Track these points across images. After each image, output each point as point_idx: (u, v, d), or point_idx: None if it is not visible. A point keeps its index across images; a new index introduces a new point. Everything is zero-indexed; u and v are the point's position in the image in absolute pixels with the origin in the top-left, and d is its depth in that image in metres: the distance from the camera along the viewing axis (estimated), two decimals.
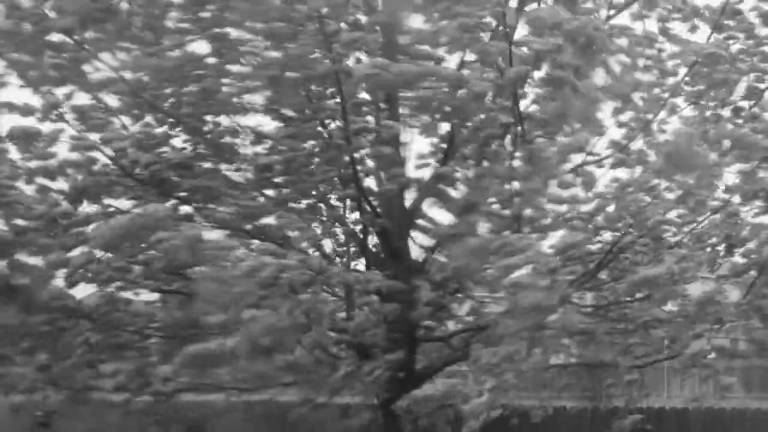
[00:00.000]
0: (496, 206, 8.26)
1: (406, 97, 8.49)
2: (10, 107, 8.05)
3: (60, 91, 8.24)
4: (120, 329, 8.54)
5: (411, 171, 9.19)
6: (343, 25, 8.01)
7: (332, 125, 8.68)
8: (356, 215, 9.38)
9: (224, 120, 8.79)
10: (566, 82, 7.01)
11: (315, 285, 7.74)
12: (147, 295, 8.98)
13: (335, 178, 8.96)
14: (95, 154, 8.28)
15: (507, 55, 7.40)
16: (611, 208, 8.87)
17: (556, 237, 9.48)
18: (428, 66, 7.61)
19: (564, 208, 9.13)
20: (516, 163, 7.73)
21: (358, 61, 8.42)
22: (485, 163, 8.27)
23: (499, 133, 8.08)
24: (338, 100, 8.34)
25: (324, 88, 8.43)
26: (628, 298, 9.19)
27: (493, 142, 8.15)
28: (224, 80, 8.02)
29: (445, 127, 9.08)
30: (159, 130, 8.56)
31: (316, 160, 8.69)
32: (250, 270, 6.66)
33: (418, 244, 9.48)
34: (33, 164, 8.01)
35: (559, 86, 7.17)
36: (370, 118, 8.85)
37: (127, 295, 8.66)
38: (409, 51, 8.11)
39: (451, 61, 8.58)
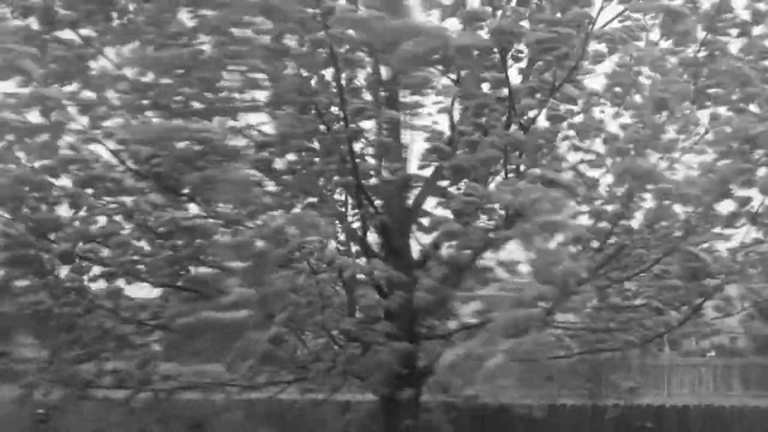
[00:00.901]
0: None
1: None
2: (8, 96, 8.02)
3: (65, 89, 8.22)
4: (124, 321, 8.55)
5: (412, 168, 9.21)
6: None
7: (330, 112, 8.63)
8: (356, 210, 9.37)
9: (226, 118, 8.76)
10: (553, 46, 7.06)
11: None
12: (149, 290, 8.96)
13: (335, 172, 8.93)
14: (97, 148, 8.26)
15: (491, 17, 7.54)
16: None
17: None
18: (412, 22, 7.58)
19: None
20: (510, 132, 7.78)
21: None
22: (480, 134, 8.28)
23: (490, 104, 8.12)
24: (337, 91, 8.31)
25: (319, 72, 8.38)
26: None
27: (484, 112, 8.18)
28: (226, 75, 7.99)
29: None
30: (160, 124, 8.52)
31: (316, 147, 8.66)
32: (275, 232, 6.68)
33: (418, 242, 9.50)
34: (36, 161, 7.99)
35: (546, 51, 7.22)
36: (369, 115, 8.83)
37: (131, 288, 8.68)
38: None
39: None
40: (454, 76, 8.56)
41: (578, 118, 9.55)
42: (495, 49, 7.64)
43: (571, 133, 9.82)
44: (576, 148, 9.87)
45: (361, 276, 8.49)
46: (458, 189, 8.84)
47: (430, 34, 7.45)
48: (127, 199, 7.97)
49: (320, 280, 7.51)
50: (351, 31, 7.63)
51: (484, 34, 7.78)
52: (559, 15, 7.72)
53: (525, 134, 7.97)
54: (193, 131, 7.19)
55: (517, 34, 7.55)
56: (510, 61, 8.07)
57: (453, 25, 8.22)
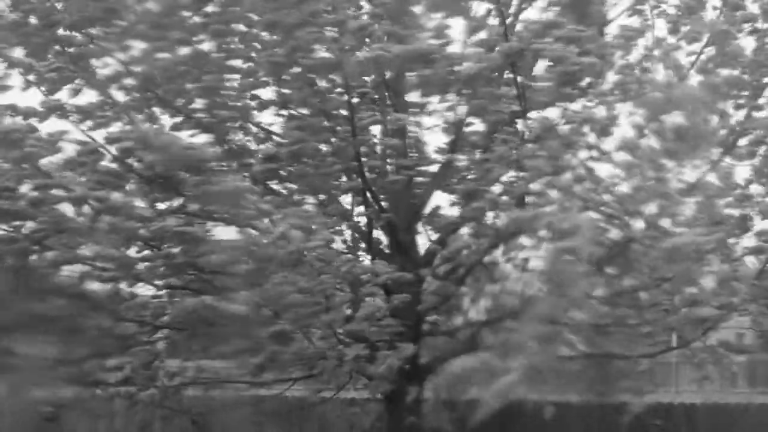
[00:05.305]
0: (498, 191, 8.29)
1: (411, 82, 8.37)
2: (13, 110, 7.98)
3: (67, 88, 8.19)
4: (126, 321, 8.51)
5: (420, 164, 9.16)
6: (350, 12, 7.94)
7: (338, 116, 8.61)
8: (362, 209, 9.34)
9: (233, 116, 8.72)
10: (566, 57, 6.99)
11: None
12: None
13: (341, 172, 8.91)
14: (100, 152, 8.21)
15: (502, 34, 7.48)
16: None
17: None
18: (428, 45, 7.54)
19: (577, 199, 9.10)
20: (525, 146, 7.71)
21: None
22: (493, 149, 8.23)
23: (506, 120, 8.06)
24: (344, 93, 8.30)
25: (330, 81, 8.37)
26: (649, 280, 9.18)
27: (501, 127, 8.12)
28: (229, 76, 7.96)
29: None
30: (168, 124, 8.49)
31: (324, 149, 8.64)
32: (280, 237, 6.62)
33: (427, 236, 9.47)
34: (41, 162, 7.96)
35: (559, 62, 7.14)
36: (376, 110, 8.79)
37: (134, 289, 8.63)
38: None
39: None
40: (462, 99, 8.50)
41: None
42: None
43: (586, 129, 9.79)
44: (589, 147, 9.84)
45: (365, 276, 8.44)
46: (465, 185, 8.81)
47: (445, 56, 7.41)
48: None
49: (324, 281, 7.46)
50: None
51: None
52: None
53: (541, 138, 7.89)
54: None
55: (531, 52, 7.44)
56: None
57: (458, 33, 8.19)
